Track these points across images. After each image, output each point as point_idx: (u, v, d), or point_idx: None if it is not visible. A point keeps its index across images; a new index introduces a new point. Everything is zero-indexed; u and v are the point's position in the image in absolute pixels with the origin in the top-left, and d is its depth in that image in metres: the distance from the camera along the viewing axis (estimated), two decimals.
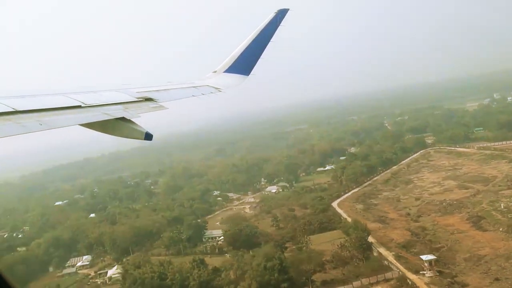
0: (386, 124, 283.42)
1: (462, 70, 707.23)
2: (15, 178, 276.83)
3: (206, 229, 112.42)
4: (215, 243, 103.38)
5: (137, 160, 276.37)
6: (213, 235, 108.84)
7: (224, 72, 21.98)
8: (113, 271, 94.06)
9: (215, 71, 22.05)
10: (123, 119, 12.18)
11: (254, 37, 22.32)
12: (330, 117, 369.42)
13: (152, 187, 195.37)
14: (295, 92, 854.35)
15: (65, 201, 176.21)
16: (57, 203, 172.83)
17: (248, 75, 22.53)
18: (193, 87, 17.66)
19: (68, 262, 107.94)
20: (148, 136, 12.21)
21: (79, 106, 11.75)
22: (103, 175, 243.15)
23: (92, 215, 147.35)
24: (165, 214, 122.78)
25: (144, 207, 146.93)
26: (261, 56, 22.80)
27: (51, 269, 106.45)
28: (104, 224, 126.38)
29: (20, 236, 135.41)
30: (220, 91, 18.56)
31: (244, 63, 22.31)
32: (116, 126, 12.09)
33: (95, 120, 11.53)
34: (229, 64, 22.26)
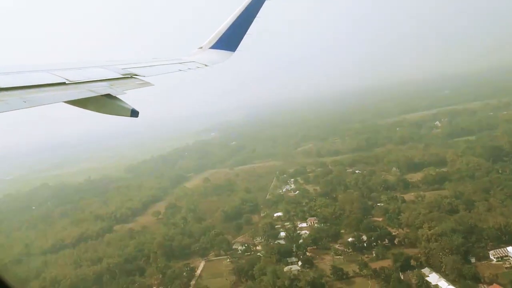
0: None
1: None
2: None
3: None
4: None
5: None
6: None
7: (210, 48, 21.83)
8: None
9: (201, 47, 21.85)
10: (108, 96, 12.07)
11: (239, 13, 22.19)
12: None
13: None
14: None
15: None
16: None
17: (234, 51, 22.57)
18: (179, 63, 17.43)
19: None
20: (134, 113, 12.09)
21: (64, 83, 11.59)
22: None
23: None
24: None
25: None
26: (248, 32, 22.62)
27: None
28: None
29: None
30: (206, 66, 18.37)
31: (230, 39, 22.15)
32: (101, 103, 11.96)
33: (80, 97, 11.37)
34: (215, 40, 22.14)
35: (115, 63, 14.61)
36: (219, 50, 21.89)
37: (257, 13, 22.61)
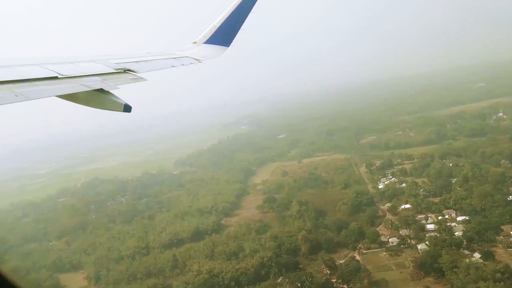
0: None
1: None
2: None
3: None
4: None
5: None
6: None
7: (204, 43, 21.80)
8: None
9: (195, 42, 21.80)
10: (101, 90, 12.17)
11: (234, 8, 21.97)
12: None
13: None
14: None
15: None
16: None
17: (228, 46, 22.39)
18: (173, 58, 17.34)
19: None
20: (127, 108, 12.25)
21: (56, 77, 11.73)
22: None
23: None
24: None
25: None
26: (242, 27, 22.51)
27: None
28: None
29: None
30: (200, 62, 18.18)
31: (224, 34, 22.19)
32: (94, 98, 12.12)
33: (72, 92, 11.57)
34: (209, 35, 22.06)
35: (108, 58, 14.73)
36: (213, 45, 21.79)
37: (251, 8, 22.19)
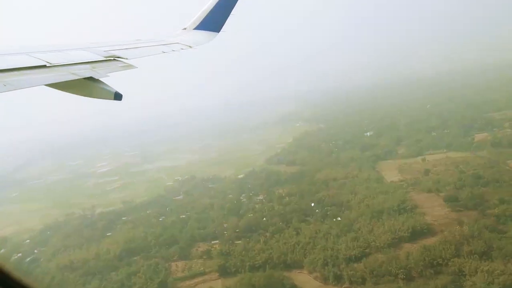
0: None
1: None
2: None
3: None
4: None
5: None
6: None
7: (194, 29, 22.25)
8: None
9: (185, 28, 22.20)
10: (91, 78, 12.16)
11: None
12: None
13: None
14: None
15: None
16: None
17: (218, 32, 22.56)
18: (163, 44, 17.41)
19: None
20: (118, 96, 12.15)
21: (44, 66, 11.75)
22: None
23: None
24: None
25: None
26: (232, 12, 22.92)
27: None
28: None
29: None
30: (190, 48, 18.21)
31: (214, 20, 22.37)
32: (84, 86, 12.11)
33: (61, 80, 11.54)
34: (199, 21, 22.30)
35: (97, 45, 14.69)
36: (203, 31, 22.05)
37: None
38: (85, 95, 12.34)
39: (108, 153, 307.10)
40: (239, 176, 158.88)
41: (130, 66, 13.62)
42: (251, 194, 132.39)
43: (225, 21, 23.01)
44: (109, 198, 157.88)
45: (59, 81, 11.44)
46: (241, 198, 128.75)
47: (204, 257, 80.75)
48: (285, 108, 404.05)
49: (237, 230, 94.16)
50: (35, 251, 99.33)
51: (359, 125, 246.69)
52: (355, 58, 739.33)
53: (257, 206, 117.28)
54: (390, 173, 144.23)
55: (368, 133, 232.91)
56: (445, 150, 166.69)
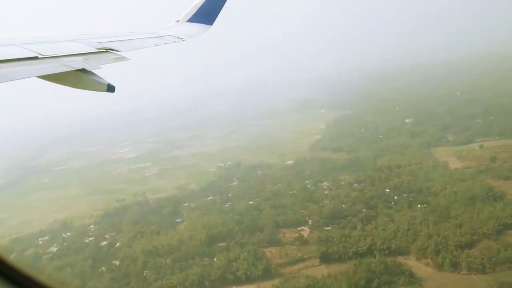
0: None
1: None
2: None
3: None
4: None
5: None
6: None
7: (187, 21, 22.00)
8: None
9: (177, 21, 22.20)
10: (83, 70, 12.05)
11: None
12: None
13: None
14: None
15: None
16: None
17: (211, 25, 22.53)
18: (156, 37, 17.46)
19: None
20: (111, 88, 12.18)
21: (36, 58, 11.55)
22: None
23: None
24: None
25: None
26: (225, 5, 22.81)
27: None
28: None
29: None
30: (183, 40, 18.23)
31: (207, 12, 22.31)
32: (76, 78, 12.00)
33: (53, 72, 11.39)
34: (192, 13, 22.21)
35: (90, 37, 14.45)
36: (196, 24, 21.97)
37: None
38: (77, 87, 12.24)
39: (125, 139, 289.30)
40: (287, 163, 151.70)
41: (123, 58, 13.47)
42: (315, 181, 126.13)
43: (218, 14, 22.95)
44: (154, 184, 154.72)
45: (51, 72, 11.27)
46: (307, 184, 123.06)
47: (297, 243, 79.17)
48: (299, 95, 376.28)
49: (322, 217, 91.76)
50: (106, 235, 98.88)
51: (392, 112, 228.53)
52: (361, 47, 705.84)
53: (326, 192, 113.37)
54: (450, 159, 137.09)
55: (407, 120, 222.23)
56: (497, 137, 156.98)
